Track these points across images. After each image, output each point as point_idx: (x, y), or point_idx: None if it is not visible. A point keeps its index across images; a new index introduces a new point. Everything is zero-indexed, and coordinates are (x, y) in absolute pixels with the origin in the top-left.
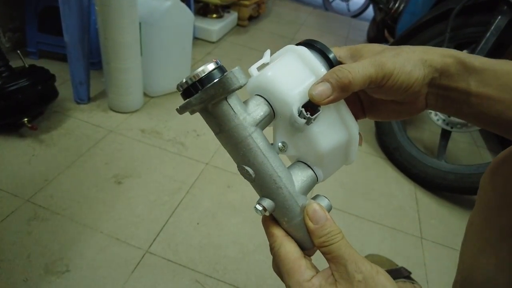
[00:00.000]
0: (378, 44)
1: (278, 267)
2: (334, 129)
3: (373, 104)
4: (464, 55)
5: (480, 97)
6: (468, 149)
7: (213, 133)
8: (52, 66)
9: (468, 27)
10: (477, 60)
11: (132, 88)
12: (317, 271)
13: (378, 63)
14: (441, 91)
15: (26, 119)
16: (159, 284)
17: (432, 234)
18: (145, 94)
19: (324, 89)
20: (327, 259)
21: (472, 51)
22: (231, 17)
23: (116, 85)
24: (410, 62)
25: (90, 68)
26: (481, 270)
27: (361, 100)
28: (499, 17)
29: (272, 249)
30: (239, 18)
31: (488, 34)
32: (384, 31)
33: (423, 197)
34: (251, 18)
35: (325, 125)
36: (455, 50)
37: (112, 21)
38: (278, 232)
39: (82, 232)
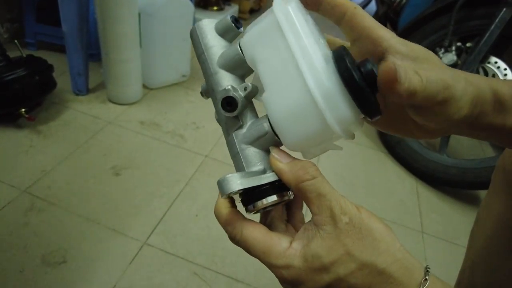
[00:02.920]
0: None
1: (251, 252)
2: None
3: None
4: (498, 87)
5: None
6: (470, 144)
7: (212, 126)
8: (50, 57)
9: (472, 19)
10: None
11: (131, 80)
12: (293, 235)
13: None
14: (472, 123)
15: (23, 110)
16: (156, 276)
17: (433, 229)
18: (144, 86)
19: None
20: (307, 200)
21: (476, 44)
22: (231, 10)
23: (115, 76)
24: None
25: (89, 60)
26: (495, 254)
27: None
28: (504, 9)
29: (234, 238)
30: (240, 11)
31: (492, 27)
32: (386, 24)
33: (424, 191)
34: (252, 11)
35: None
36: (490, 79)
37: (111, 11)
38: (234, 217)
39: (79, 223)
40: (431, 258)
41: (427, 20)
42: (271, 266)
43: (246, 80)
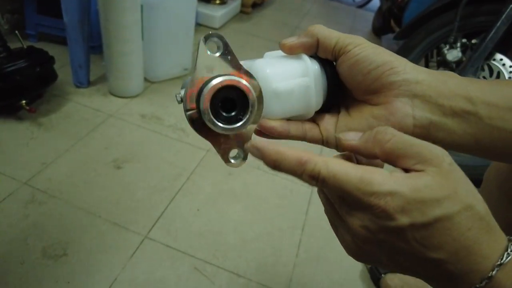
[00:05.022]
0: None
1: (344, 186)
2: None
3: (350, 110)
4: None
5: (488, 106)
6: None
7: None
8: (51, 49)
9: (477, 16)
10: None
11: (132, 72)
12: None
13: (351, 35)
14: (434, 99)
15: (24, 101)
16: (157, 270)
17: None
18: (145, 79)
19: (291, 38)
20: (400, 158)
21: (481, 41)
22: (234, 4)
23: (117, 69)
24: (387, 50)
25: (91, 52)
26: None
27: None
28: (511, 6)
29: (317, 175)
30: (242, 5)
31: (498, 23)
32: (390, 20)
33: None
34: (254, 5)
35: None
36: None
37: (113, 3)
38: (307, 153)
39: (80, 216)
40: None
41: (432, 16)
42: (371, 195)
43: None
